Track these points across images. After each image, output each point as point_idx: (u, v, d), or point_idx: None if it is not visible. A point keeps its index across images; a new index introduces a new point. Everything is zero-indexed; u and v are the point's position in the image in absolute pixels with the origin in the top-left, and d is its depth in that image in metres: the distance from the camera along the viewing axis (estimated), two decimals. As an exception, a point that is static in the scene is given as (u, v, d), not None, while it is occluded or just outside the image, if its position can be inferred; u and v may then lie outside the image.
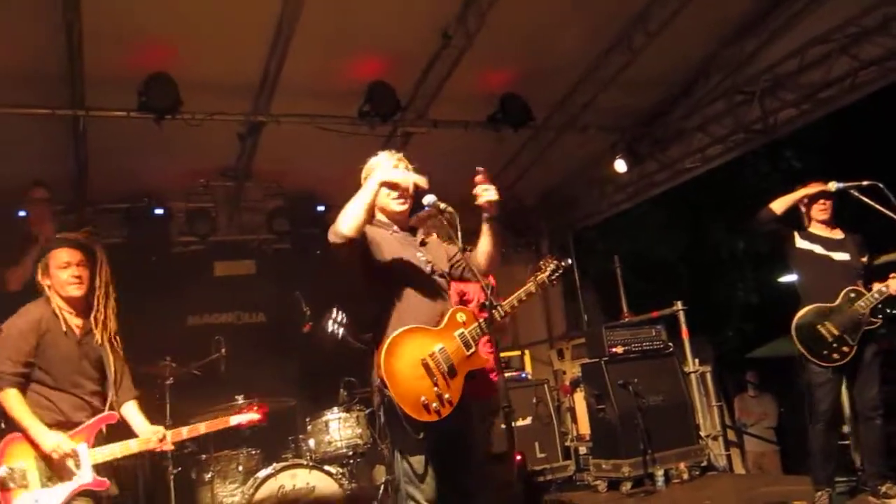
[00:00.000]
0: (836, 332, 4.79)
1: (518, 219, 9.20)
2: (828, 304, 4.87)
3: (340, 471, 5.52)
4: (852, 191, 4.89)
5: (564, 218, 9.88)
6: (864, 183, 4.84)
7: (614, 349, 7.01)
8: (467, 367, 3.33)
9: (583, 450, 7.87)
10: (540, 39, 6.46)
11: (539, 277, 3.66)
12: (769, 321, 14.48)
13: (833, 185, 4.97)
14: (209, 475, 5.55)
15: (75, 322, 3.79)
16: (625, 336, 7.16)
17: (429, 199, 3.37)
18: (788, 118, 7.25)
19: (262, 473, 5.31)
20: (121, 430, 3.85)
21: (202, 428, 4.05)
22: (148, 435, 3.77)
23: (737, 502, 6.13)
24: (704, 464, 6.97)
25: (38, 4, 5.12)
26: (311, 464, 5.45)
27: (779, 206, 5.08)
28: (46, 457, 3.47)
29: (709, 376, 7.74)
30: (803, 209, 5.19)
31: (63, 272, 3.74)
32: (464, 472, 3.31)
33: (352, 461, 5.67)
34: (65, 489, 3.48)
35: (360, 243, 3.23)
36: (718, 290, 17.24)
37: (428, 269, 3.43)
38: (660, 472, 6.47)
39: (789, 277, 5.45)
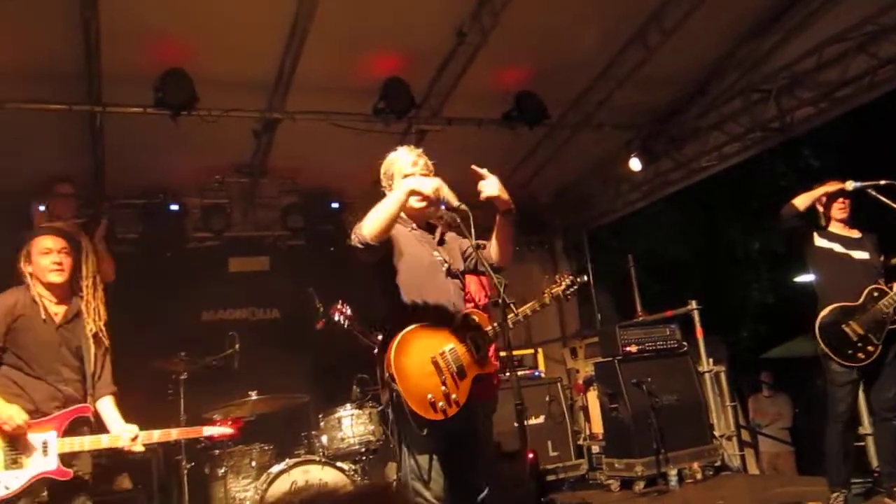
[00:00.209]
0: (860, 331, 4.75)
1: (532, 217, 9.17)
2: (851, 303, 4.82)
3: (353, 467, 5.53)
4: (870, 190, 4.86)
5: (579, 216, 9.85)
6: (882, 182, 4.80)
7: (628, 348, 6.99)
8: (476, 369, 3.34)
9: (596, 449, 7.86)
10: (555, 37, 6.43)
11: (554, 290, 3.68)
12: (784, 321, 14.42)
13: (850, 185, 4.94)
14: (222, 470, 5.58)
15: (55, 309, 3.80)
16: (638, 335, 7.14)
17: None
18: (805, 117, 7.20)
19: (275, 469, 5.32)
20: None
21: (174, 434, 4.02)
22: (119, 433, 3.75)
23: (751, 503, 6.10)
24: (718, 464, 6.94)
25: (57, 3, 5.16)
26: (323, 460, 5.46)
27: (801, 202, 5.04)
28: (10, 439, 3.48)
29: (723, 376, 7.70)
30: (821, 208, 5.16)
31: (44, 258, 3.76)
32: (470, 471, 3.32)
33: (364, 458, 5.68)
34: (26, 473, 3.49)
35: (382, 247, 3.22)
36: (733, 290, 17.14)
37: (444, 268, 3.43)
38: (673, 472, 6.44)
39: (806, 277, 5.41)
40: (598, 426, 7.72)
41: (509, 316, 3.29)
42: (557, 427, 7.61)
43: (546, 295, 3.68)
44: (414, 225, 3.54)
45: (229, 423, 4.36)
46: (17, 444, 3.49)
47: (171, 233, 7.62)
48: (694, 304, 7.45)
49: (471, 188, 3.50)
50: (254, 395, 5.60)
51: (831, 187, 5.05)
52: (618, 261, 9.87)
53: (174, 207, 7.57)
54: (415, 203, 3.42)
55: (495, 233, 3.50)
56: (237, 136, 6.83)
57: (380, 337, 4.53)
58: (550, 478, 7.24)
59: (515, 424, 3.33)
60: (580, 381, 8.55)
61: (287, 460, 5.41)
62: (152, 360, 5.87)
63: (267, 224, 8.34)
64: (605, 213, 9.70)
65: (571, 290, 3.74)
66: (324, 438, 5.68)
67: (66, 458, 3.57)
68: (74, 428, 3.66)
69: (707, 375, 7.40)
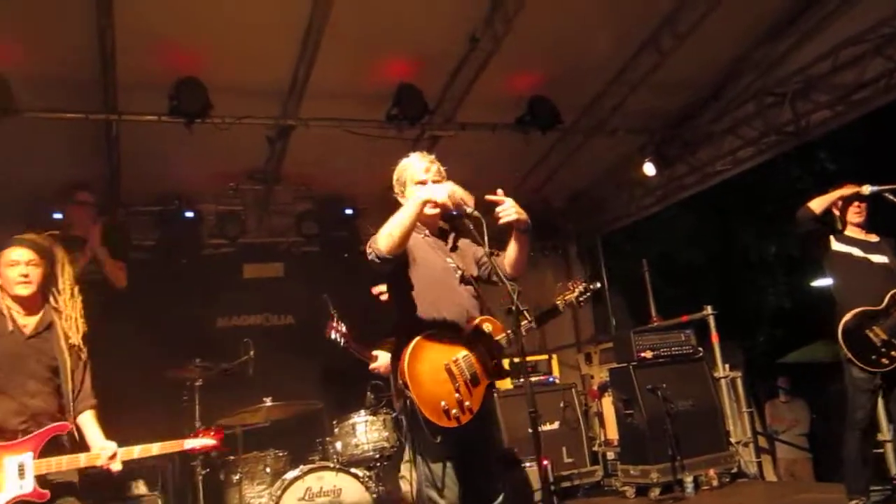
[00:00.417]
0: (884, 336, 4.68)
1: (545, 222, 9.16)
2: (874, 308, 4.77)
3: (367, 474, 5.53)
4: (887, 194, 4.81)
5: (592, 221, 9.82)
6: (899, 186, 4.76)
7: (643, 354, 6.95)
8: (489, 377, 3.34)
9: (611, 455, 7.82)
10: (568, 42, 6.43)
11: (567, 297, 3.67)
12: (801, 326, 14.30)
13: (867, 189, 4.89)
14: (237, 476, 5.60)
15: (24, 321, 3.70)
16: (653, 340, 7.10)
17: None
18: (821, 120, 7.15)
19: (290, 475, 5.33)
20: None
21: (154, 449, 3.84)
22: (98, 451, 3.64)
23: (768, 510, 6.06)
24: (735, 470, 6.88)
25: (73, 13, 5.20)
26: (338, 466, 5.46)
27: (817, 205, 5.00)
28: None
29: (739, 382, 7.64)
30: (837, 212, 5.12)
31: (11, 270, 3.67)
32: (482, 477, 3.31)
33: (378, 464, 5.67)
34: (1, 498, 3.36)
35: (398, 258, 3.23)
36: (749, 295, 17.02)
37: (457, 275, 3.43)
38: (689, 479, 6.40)
39: (823, 281, 5.36)
40: (613, 432, 7.67)
41: (523, 323, 3.27)
42: (572, 433, 7.58)
43: (559, 302, 3.67)
44: (427, 231, 3.55)
45: (212, 433, 4.20)
46: None
47: (187, 239, 7.66)
48: (709, 309, 7.40)
49: (484, 193, 3.50)
50: (268, 402, 5.61)
51: (847, 191, 5.01)
52: (632, 266, 9.85)
53: (189, 214, 7.62)
54: (429, 210, 3.42)
55: (511, 245, 3.50)
56: (251, 142, 6.86)
57: (374, 353, 4.56)
58: (565, 484, 7.21)
59: (529, 431, 3.32)
60: (595, 387, 8.52)
61: (301, 466, 5.42)
62: (167, 367, 5.91)
63: (281, 230, 8.37)
64: (618, 217, 9.67)
65: (585, 296, 3.74)
66: (338, 445, 5.68)
67: (42, 479, 3.44)
68: (52, 447, 3.54)
69: (723, 381, 7.35)
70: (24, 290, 3.67)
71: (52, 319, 3.76)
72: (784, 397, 10.70)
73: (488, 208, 3.35)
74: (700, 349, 7.27)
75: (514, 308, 3.19)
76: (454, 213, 3.34)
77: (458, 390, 3.17)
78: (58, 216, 6.71)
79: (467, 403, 3.18)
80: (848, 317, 4.80)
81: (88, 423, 3.76)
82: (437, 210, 3.38)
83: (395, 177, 3.58)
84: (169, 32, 5.60)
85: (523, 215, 3.34)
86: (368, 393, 5.87)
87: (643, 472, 6.59)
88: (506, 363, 3.50)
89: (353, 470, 5.46)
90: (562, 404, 7.61)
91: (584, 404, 8.17)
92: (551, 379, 8.09)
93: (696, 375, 7.10)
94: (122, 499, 5.42)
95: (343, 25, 5.66)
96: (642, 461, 6.63)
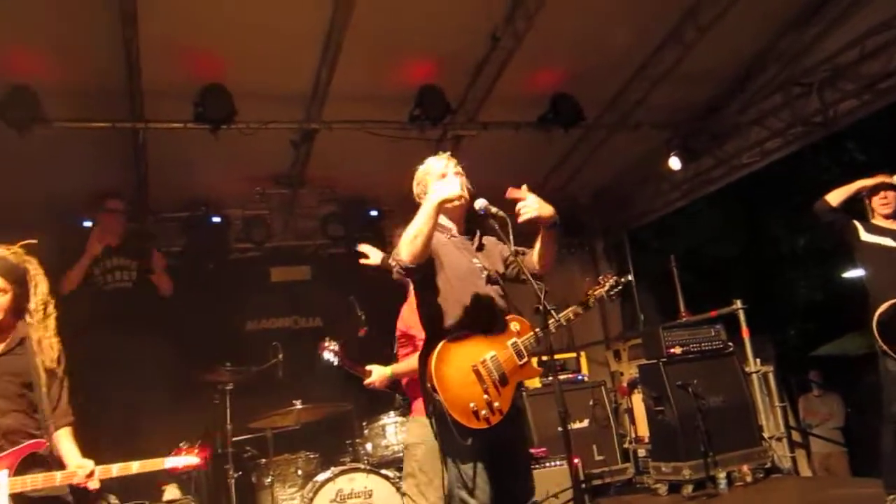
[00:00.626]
0: None
1: (571, 219, 9.12)
2: None
3: (398, 475, 5.53)
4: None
5: (618, 217, 9.77)
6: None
7: (672, 350, 6.90)
8: (519, 376, 3.32)
9: (642, 452, 7.77)
10: (589, 38, 6.39)
11: (597, 292, 3.63)
12: (833, 318, 14.10)
13: None
14: (269, 479, 5.64)
15: None
16: (683, 336, 7.04)
17: (480, 203, 3.36)
18: (849, 109, 7.03)
19: (321, 477, 5.35)
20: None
21: (134, 467, 3.62)
22: (74, 469, 3.48)
23: (803, 506, 5.98)
24: (768, 466, 6.81)
25: (98, 25, 5.28)
26: (368, 468, 5.47)
27: (834, 198, 4.94)
28: None
29: (771, 376, 7.56)
30: (868, 202, 5.04)
31: None
32: (511, 478, 3.29)
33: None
34: None
35: (424, 267, 3.22)
36: (779, 288, 16.80)
37: (484, 275, 3.42)
38: (722, 475, 6.33)
39: (855, 273, 5.29)
40: (643, 429, 7.63)
41: (550, 321, 3.25)
42: (602, 431, 7.54)
43: (590, 297, 3.64)
44: (453, 231, 3.54)
45: (195, 451, 3.98)
46: None
47: (214, 244, 7.73)
48: (739, 304, 7.32)
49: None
50: (298, 405, 5.64)
51: (869, 181, 4.94)
52: (660, 261, 9.77)
53: (216, 219, 7.69)
54: (452, 203, 3.42)
55: (538, 242, 3.48)
56: (275, 147, 6.92)
57: (368, 368, 4.53)
58: (596, 482, 7.17)
59: (559, 429, 3.30)
60: (624, 384, 8.47)
61: (332, 468, 5.44)
62: (198, 371, 5.97)
63: (307, 233, 8.43)
64: (645, 212, 9.60)
65: (616, 290, 3.69)
66: (368, 446, 5.70)
67: (20, 497, 3.33)
68: (32, 464, 3.42)
69: (754, 376, 7.27)
70: None
71: (25, 334, 3.60)
72: (817, 391, 10.57)
73: (512, 205, 3.34)
74: (730, 344, 7.20)
75: (541, 308, 3.17)
76: (480, 212, 3.33)
77: (486, 391, 3.16)
78: (88, 224, 6.82)
79: (497, 404, 3.16)
80: (883, 308, 4.71)
81: (65, 440, 3.61)
82: (460, 203, 3.36)
83: (415, 181, 3.58)
84: (192, 41, 5.66)
85: (548, 211, 3.31)
86: (397, 395, 5.87)
87: (675, 468, 6.54)
88: (534, 362, 3.47)
89: (383, 471, 5.47)
90: (591, 402, 7.58)
91: (614, 401, 8.13)
92: (580, 377, 8.06)
93: (726, 371, 7.04)
94: (155, 502, 5.48)
95: (364, 28, 5.69)
96: (674, 458, 6.58)
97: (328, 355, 4.89)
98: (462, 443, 3.09)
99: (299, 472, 5.72)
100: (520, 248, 3.45)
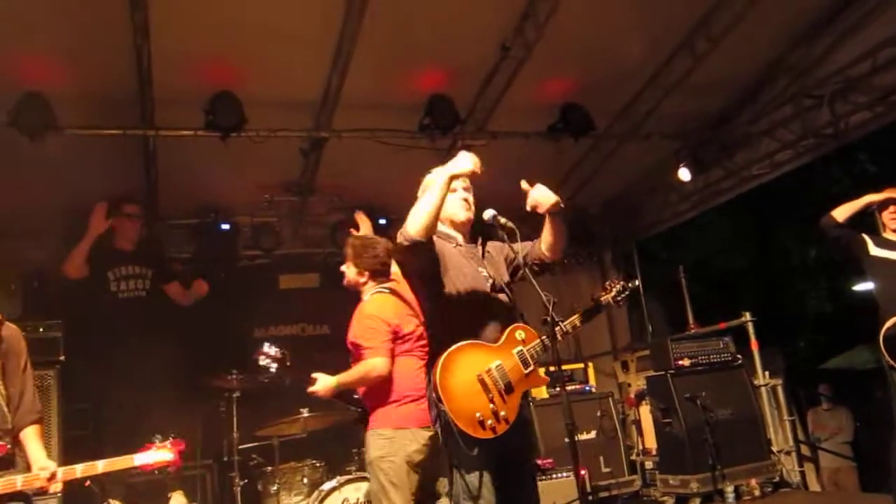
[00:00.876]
0: None
1: (580, 229, 9.10)
2: None
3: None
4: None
5: (627, 227, 9.73)
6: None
7: (680, 361, 6.87)
8: (525, 385, 3.31)
9: (649, 464, 7.73)
10: (600, 48, 6.39)
11: (604, 298, 3.62)
12: (843, 331, 14.02)
13: (904, 193, 4.80)
14: (275, 487, 5.62)
15: None
16: (691, 348, 7.01)
17: (488, 213, 3.37)
18: (861, 122, 6.99)
19: (327, 486, 5.33)
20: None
21: (99, 467, 3.49)
22: (36, 472, 3.37)
23: (812, 520, 5.93)
24: (777, 480, 6.76)
25: (110, 34, 5.30)
26: (374, 477, 5.45)
27: (841, 213, 4.94)
28: None
29: (780, 389, 7.51)
30: (878, 216, 5.02)
31: None
32: (517, 487, 3.28)
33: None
34: None
35: (429, 248, 3.21)
36: (789, 300, 16.74)
37: (489, 284, 3.42)
38: (730, 489, 6.30)
39: (865, 286, 5.27)
40: (651, 441, 7.59)
41: (557, 329, 3.25)
42: (609, 442, 7.50)
43: (597, 302, 3.62)
44: (460, 240, 3.54)
45: (168, 445, 3.70)
46: None
47: (223, 251, 7.74)
48: (748, 316, 7.29)
49: (517, 202, 3.50)
50: (305, 413, 5.62)
51: (878, 196, 4.93)
52: (668, 272, 9.74)
53: (225, 227, 7.69)
54: (461, 215, 3.44)
55: (545, 229, 3.50)
56: (285, 155, 6.93)
57: (313, 375, 4.45)
58: (603, 494, 7.13)
59: (566, 440, 3.28)
60: (632, 396, 8.43)
61: (338, 477, 5.42)
62: (205, 378, 5.97)
63: (316, 241, 8.42)
64: (654, 223, 9.56)
65: (623, 295, 3.67)
66: (375, 455, 5.67)
67: None
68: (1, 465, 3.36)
69: (763, 389, 7.23)
70: None
71: None
72: (826, 404, 10.47)
73: (522, 215, 3.35)
74: (739, 356, 7.17)
75: (549, 319, 3.16)
76: (489, 222, 3.34)
77: (492, 400, 3.15)
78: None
79: (503, 413, 3.15)
80: (889, 323, 4.71)
81: (31, 439, 3.50)
82: (470, 214, 3.39)
83: (420, 189, 3.60)
84: (203, 49, 5.68)
85: (551, 199, 3.35)
86: (350, 406, 5.85)
87: (683, 481, 6.50)
88: (541, 371, 3.46)
89: (389, 480, 5.44)
90: (598, 413, 7.54)
91: (622, 413, 8.09)
92: (587, 388, 8.03)
93: (735, 383, 7.00)
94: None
95: (374, 37, 5.70)
96: (682, 471, 6.54)
97: (263, 360, 4.71)
98: (468, 453, 3.07)
99: (305, 480, 5.70)
100: (526, 243, 3.48)
